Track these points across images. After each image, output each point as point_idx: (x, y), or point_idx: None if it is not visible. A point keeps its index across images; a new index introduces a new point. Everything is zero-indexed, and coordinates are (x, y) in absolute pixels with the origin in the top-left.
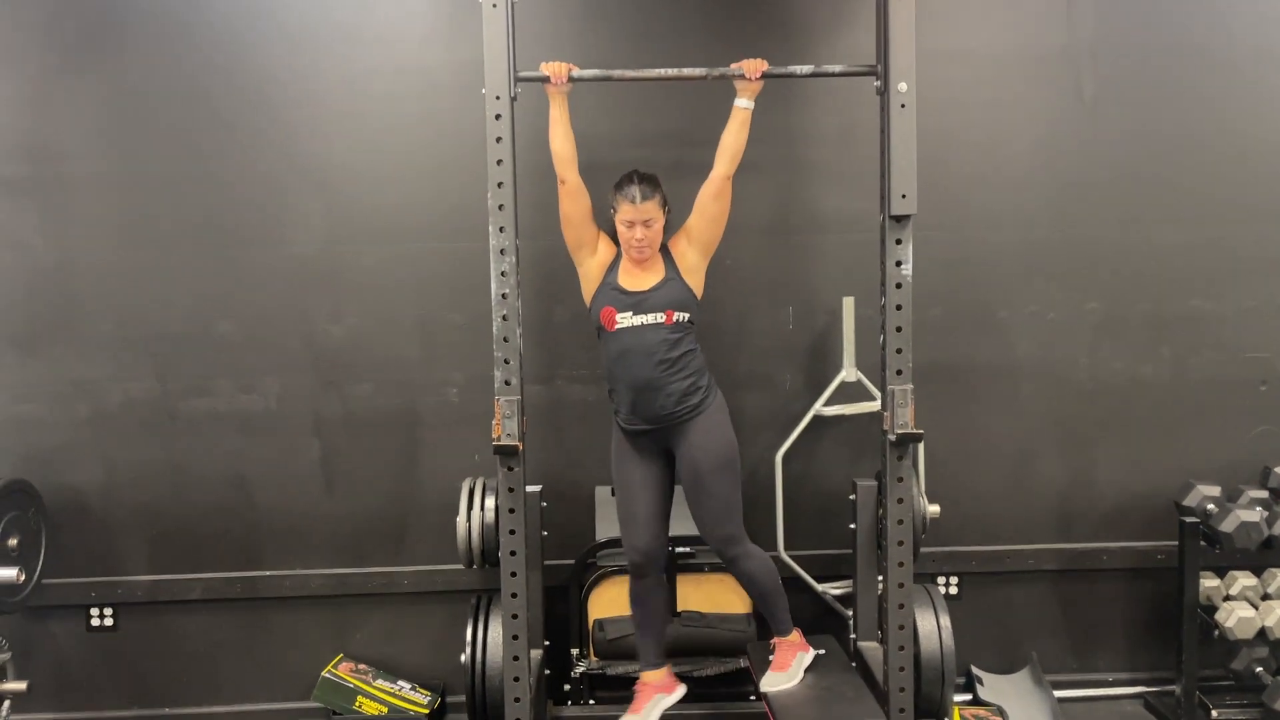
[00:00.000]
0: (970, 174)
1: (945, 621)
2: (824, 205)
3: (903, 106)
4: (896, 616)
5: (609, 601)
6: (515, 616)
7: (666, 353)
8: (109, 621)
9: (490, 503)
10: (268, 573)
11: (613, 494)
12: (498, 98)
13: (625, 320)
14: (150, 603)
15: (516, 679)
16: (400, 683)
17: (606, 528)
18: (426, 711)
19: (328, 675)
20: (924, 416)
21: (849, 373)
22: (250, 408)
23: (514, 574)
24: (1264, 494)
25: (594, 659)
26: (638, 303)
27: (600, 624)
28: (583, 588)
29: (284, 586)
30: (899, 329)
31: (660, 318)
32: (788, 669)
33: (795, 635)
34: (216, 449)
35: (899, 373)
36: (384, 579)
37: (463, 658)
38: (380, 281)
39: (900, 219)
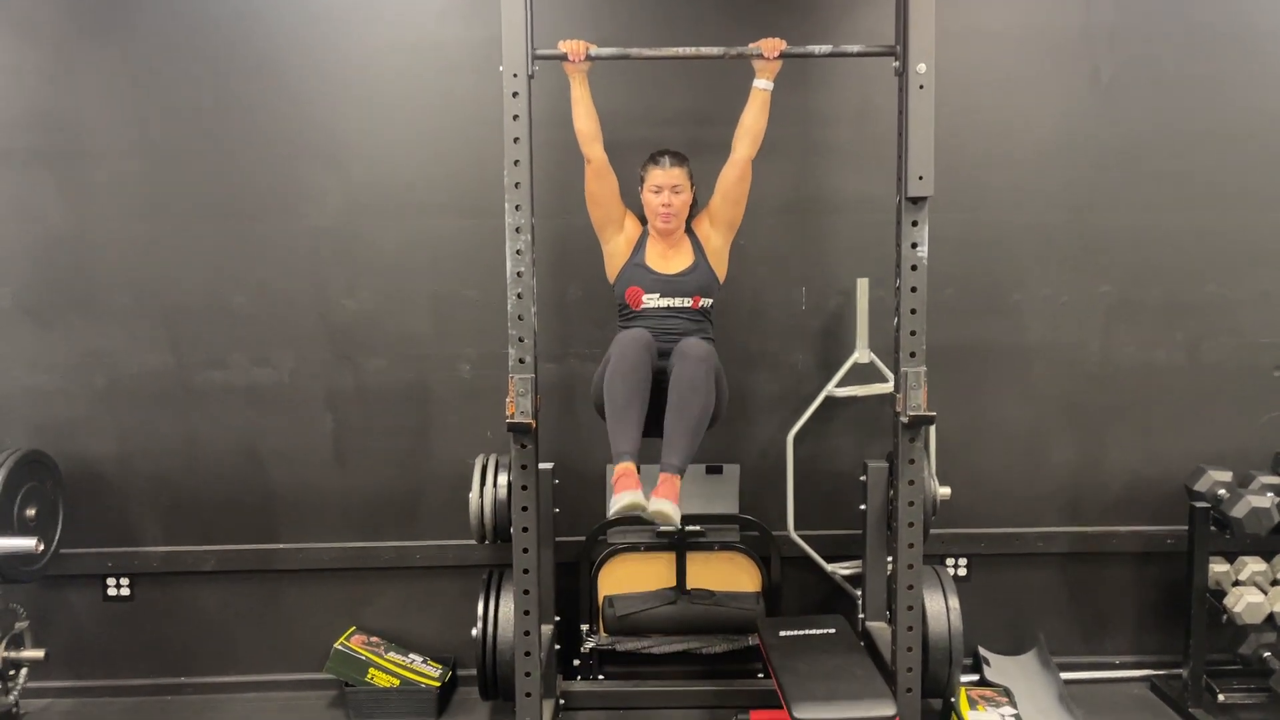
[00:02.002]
0: (985, 156)
1: (954, 603)
2: (839, 186)
3: (921, 88)
4: (905, 597)
5: (619, 578)
6: (527, 592)
7: (688, 333)
8: (125, 591)
9: (503, 479)
10: (281, 545)
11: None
12: (515, 75)
13: (652, 301)
14: (165, 573)
15: (527, 653)
16: (412, 655)
17: None
18: (438, 684)
19: (340, 647)
20: (936, 398)
21: (862, 354)
22: (264, 381)
23: (526, 550)
24: (1275, 480)
25: (604, 635)
26: (666, 285)
27: (610, 600)
28: (593, 564)
29: (297, 559)
30: (913, 311)
31: (688, 303)
32: (677, 500)
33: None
34: (231, 421)
35: (912, 355)
36: (396, 553)
37: (474, 632)
38: (395, 257)
39: (917, 200)
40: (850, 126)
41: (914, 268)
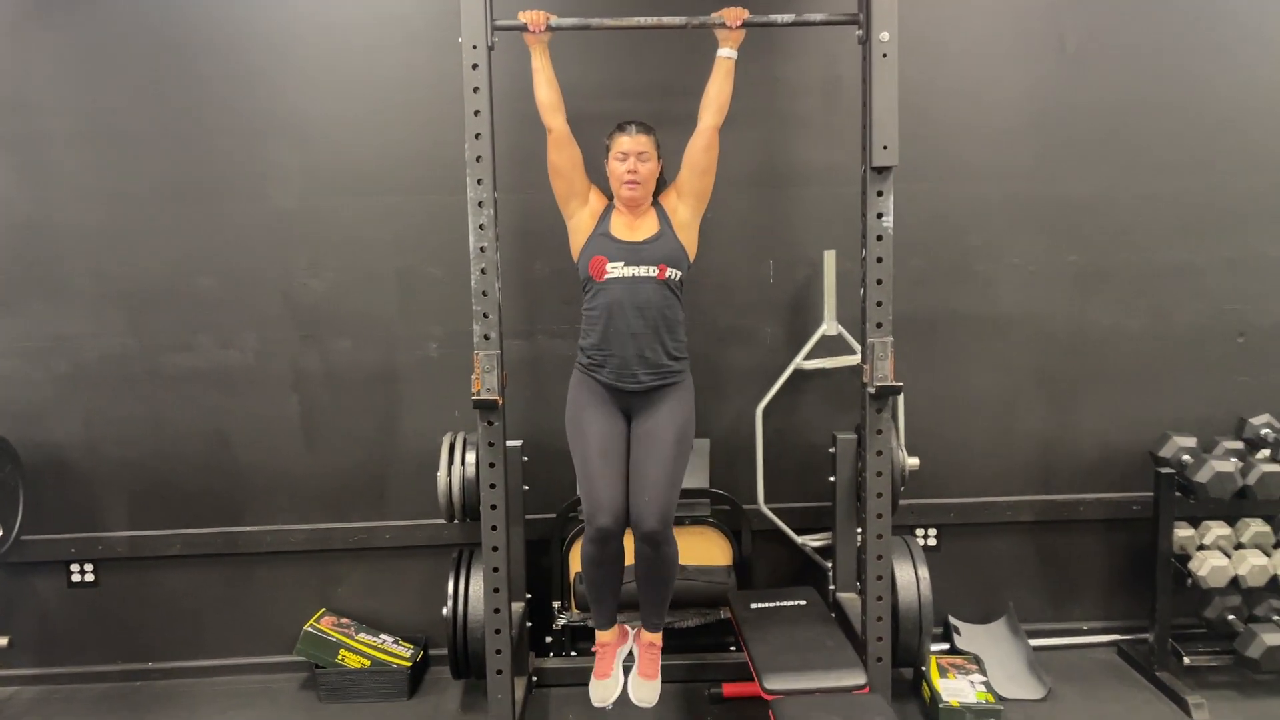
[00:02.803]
0: (952, 125)
1: (923, 572)
2: (806, 158)
3: (884, 56)
4: (875, 567)
5: (580, 556)
6: (496, 570)
7: (658, 311)
8: (90, 578)
9: (471, 457)
10: (249, 528)
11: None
12: (474, 47)
13: (616, 271)
14: (131, 559)
15: (498, 631)
16: (383, 636)
17: None
18: (409, 664)
19: (310, 629)
20: (904, 369)
21: (830, 326)
22: (230, 363)
23: (495, 528)
24: (1239, 445)
25: (575, 611)
26: (630, 253)
27: (580, 576)
28: (564, 541)
29: (265, 542)
30: (879, 281)
31: (653, 271)
32: (658, 677)
33: (660, 637)
34: (196, 404)
35: (879, 325)
36: (365, 534)
37: (444, 611)
38: (359, 235)
39: (882, 170)
40: (816, 97)
41: (879, 238)
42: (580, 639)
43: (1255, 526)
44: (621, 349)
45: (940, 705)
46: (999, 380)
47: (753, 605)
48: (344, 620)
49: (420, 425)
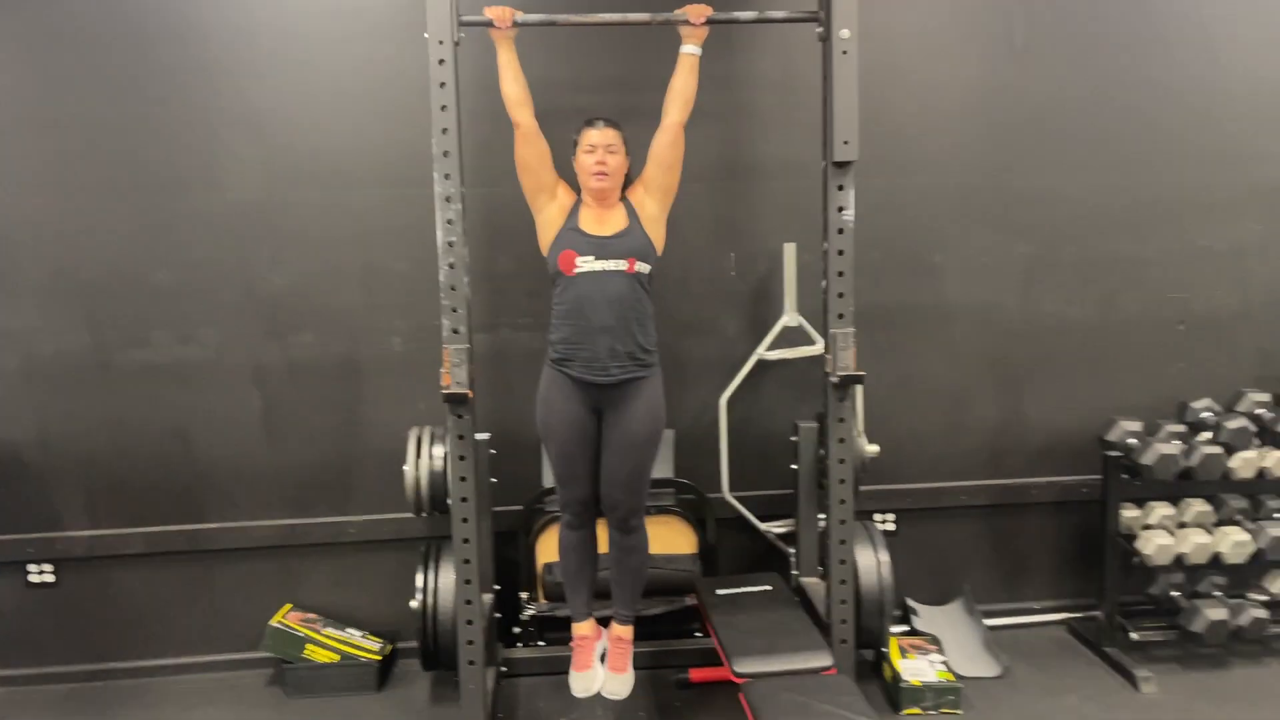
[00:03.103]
0: (905, 122)
1: (884, 557)
2: (765, 152)
3: (845, 53)
4: (838, 552)
5: (557, 546)
6: (467, 562)
7: (628, 305)
8: (49, 578)
9: (438, 451)
10: (211, 525)
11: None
12: (440, 42)
13: (585, 265)
14: (91, 558)
15: (470, 622)
16: (350, 630)
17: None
18: (379, 658)
19: (276, 625)
20: (863, 359)
21: (790, 318)
22: (189, 358)
23: (465, 520)
24: (1182, 428)
25: (543, 601)
26: (599, 247)
27: (550, 567)
28: (530, 532)
29: (228, 538)
30: (841, 274)
31: (622, 265)
32: (628, 670)
33: (630, 632)
34: (155, 401)
35: (840, 316)
36: (331, 529)
37: (413, 604)
38: (321, 229)
39: (842, 165)
40: (774, 93)
41: (841, 231)
42: (548, 629)
43: (1196, 506)
44: (592, 343)
45: (901, 685)
46: (953, 369)
47: (719, 592)
48: (310, 615)
49: (385, 419)
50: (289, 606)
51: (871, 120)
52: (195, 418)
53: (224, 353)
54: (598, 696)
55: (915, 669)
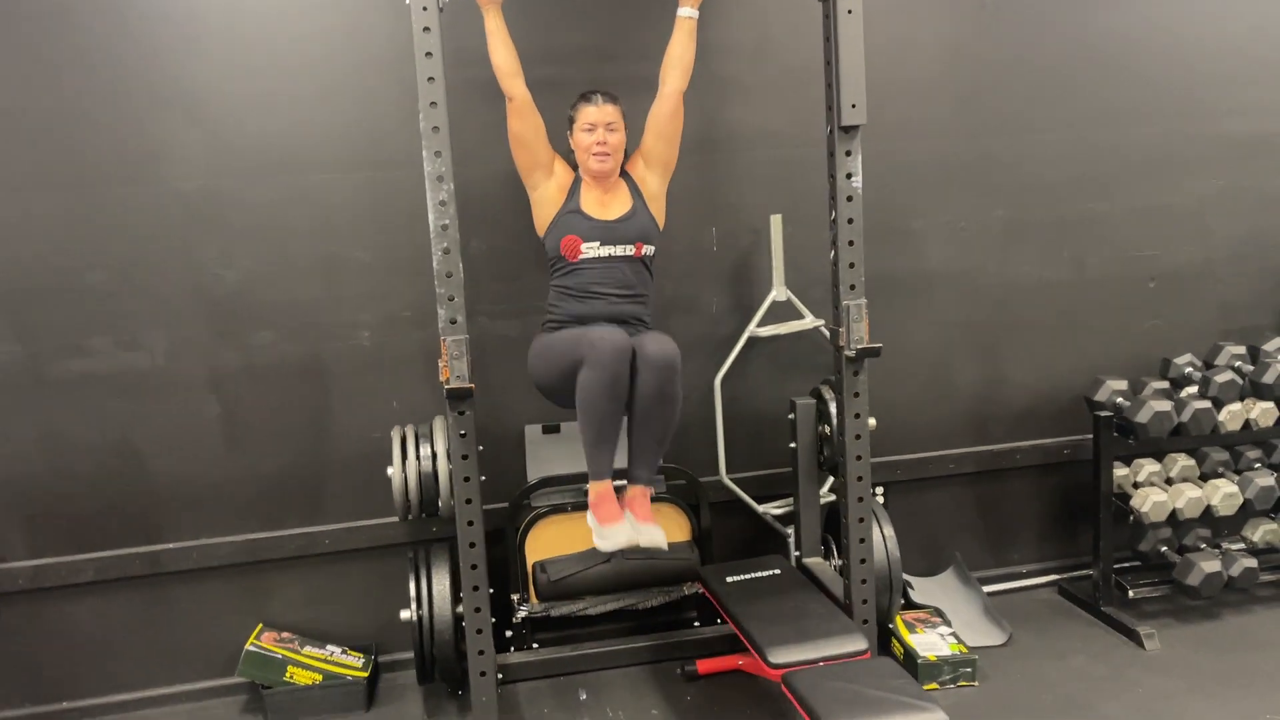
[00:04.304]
0: (880, 85)
1: (889, 531)
2: (741, 121)
3: (849, 13)
4: (857, 530)
5: (547, 542)
6: (475, 566)
7: (634, 288)
8: None
9: (426, 450)
10: (170, 545)
11: (544, 431)
12: (424, 9)
13: (591, 250)
14: (34, 590)
15: (479, 630)
16: (330, 647)
17: (538, 467)
18: (365, 674)
19: (252, 648)
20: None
21: (779, 292)
22: (134, 365)
23: (471, 523)
24: (1165, 384)
25: (535, 602)
26: (606, 232)
27: (542, 565)
28: (518, 530)
29: (190, 558)
30: (851, 243)
31: (630, 250)
32: (654, 519)
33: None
34: (98, 414)
35: (852, 287)
36: (302, 540)
37: (405, 614)
38: (274, 219)
39: (850, 129)
40: (747, 61)
41: (849, 199)
42: (540, 629)
43: (1181, 461)
44: (597, 323)
45: (919, 660)
46: (936, 336)
47: (728, 579)
48: (285, 634)
49: (355, 420)
50: (260, 626)
51: None
52: (145, 430)
53: (173, 357)
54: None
55: (928, 643)
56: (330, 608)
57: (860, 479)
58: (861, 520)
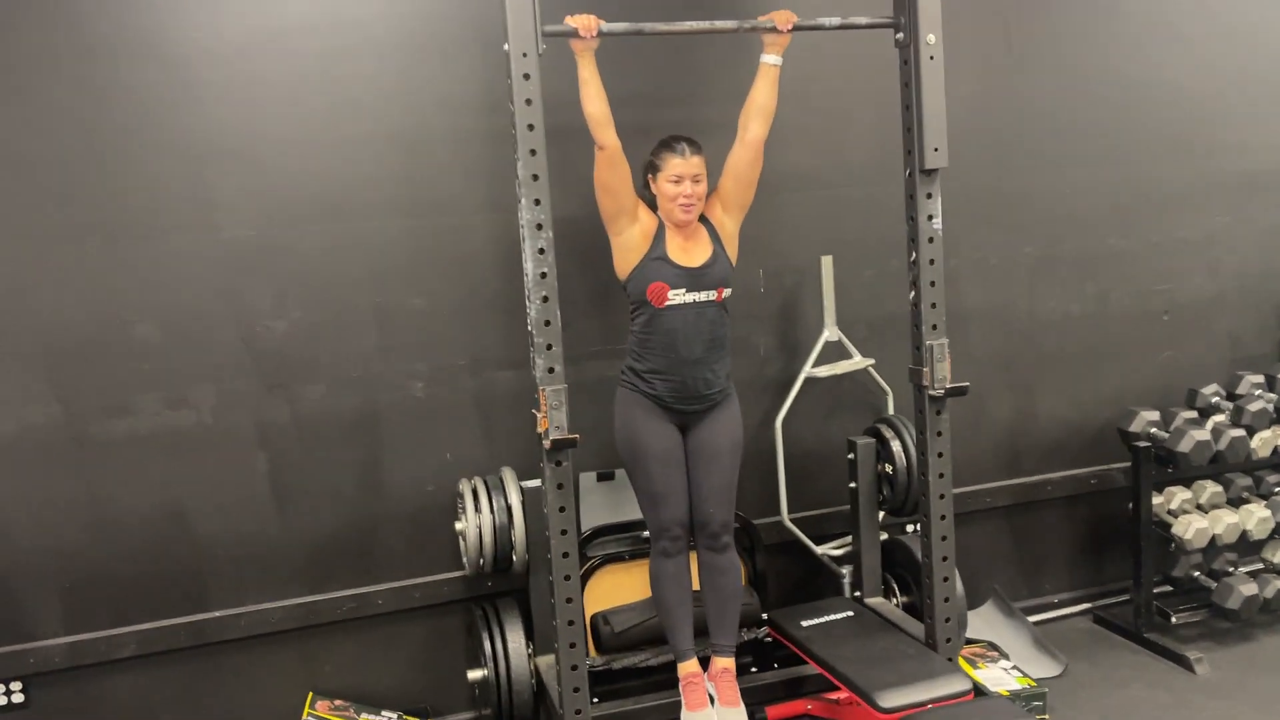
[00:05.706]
0: None
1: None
2: (784, 164)
3: (931, 58)
4: (941, 569)
5: (605, 593)
6: (572, 623)
7: (716, 332)
8: (18, 698)
9: (499, 503)
10: (217, 613)
11: (598, 479)
12: (524, 55)
13: (678, 298)
14: (71, 669)
15: (576, 690)
16: (385, 713)
17: (592, 516)
18: None
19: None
20: (884, 370)
21: (831, 332)
22: (180, 423)
23: (568, 578)
24: (1193, 414)
25: (596, 655)
26: (691, 280)
27: (604, 617)
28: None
29: (239, 626)
30: (933, 284)
31: (712, 295)
32: (741, 704)
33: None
34: (142, 476)
35: (934, 327)
36: (356, 601)
37: (477, 674)
38: (327, 266)
39: (930, 172)
40: (789, 104)
41: (930, 240)
42: (599, 683)
43: (1210, 487)
44: (683, 373)
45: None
46: (970, 371)
47: (803, 623)
48: (338, 702)
49: (409, 474)
50: (311, 695)
51: (876, 127)
52: (191, 491)
53: (221, 414)
54: None
55: (995, 678)
56: (381, 670)
57: (944, 517)
58: (945, 559)
